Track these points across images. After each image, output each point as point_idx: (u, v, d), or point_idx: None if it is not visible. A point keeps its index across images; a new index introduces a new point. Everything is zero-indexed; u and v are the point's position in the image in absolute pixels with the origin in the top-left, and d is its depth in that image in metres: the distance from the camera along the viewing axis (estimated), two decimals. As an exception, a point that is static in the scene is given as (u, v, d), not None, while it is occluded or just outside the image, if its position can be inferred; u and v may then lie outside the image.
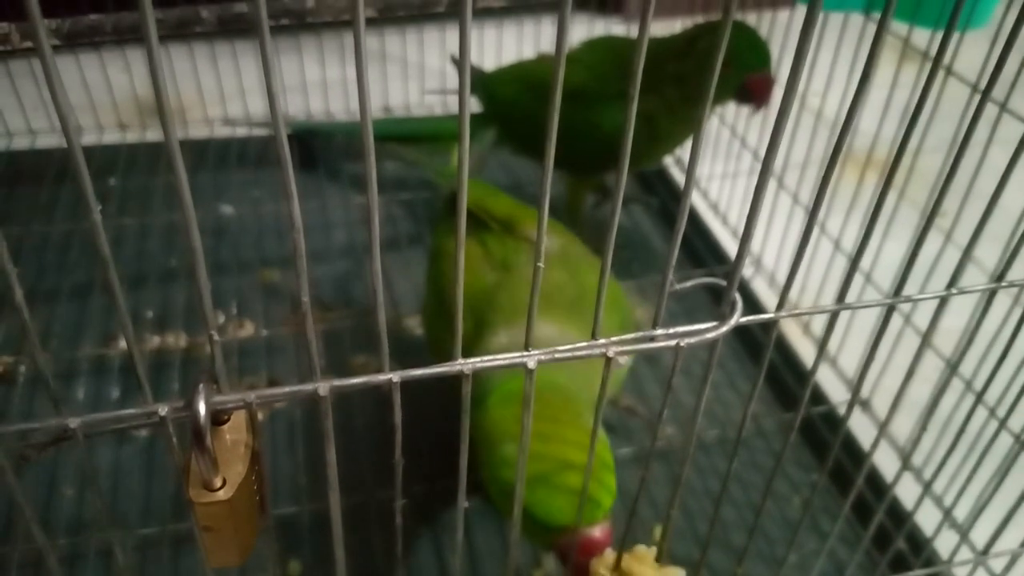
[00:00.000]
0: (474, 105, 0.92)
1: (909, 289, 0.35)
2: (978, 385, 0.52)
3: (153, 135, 1.03)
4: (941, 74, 0.65)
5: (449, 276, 0.60)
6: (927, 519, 0.62)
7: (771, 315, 0.34)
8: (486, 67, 0.93)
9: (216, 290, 0.86)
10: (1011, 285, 0.36)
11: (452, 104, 1.08)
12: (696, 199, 1.01)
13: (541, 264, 0.29)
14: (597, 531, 0.43)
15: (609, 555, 0.41)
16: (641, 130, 0.79)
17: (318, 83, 1.07)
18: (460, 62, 0.24)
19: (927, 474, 0.63)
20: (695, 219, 0.99)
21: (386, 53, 1.12)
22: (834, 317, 0.35)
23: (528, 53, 0.96)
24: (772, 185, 0.87)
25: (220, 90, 1.04)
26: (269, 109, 0.24)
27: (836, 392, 0.77)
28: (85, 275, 0.86)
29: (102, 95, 1.01)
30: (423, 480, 0.68)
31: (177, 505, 0.66)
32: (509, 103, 0.88)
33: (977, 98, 0.32)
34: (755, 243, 0.90)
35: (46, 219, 0.91)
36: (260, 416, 0.75)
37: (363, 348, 0.80)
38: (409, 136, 0.96)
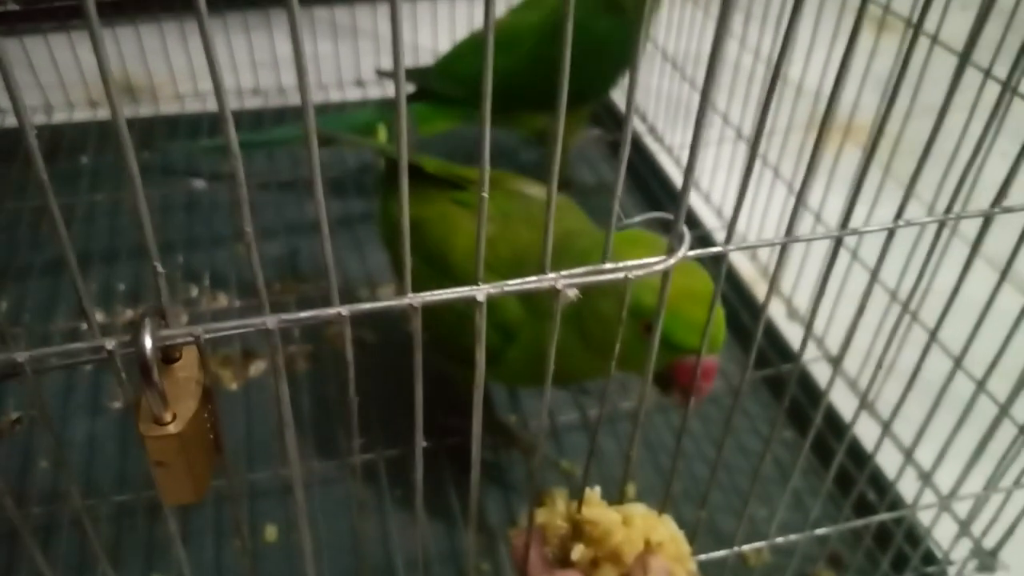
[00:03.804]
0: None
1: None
2: (943, 338, 0.53)
3: (125, 111, 1.03)
4: (926, 42, 0.65)
5: (438, 237, 0.60)
6: (892, 466, 0.63)
7: (719, 248, 0.34)
8: (440, 49, 0.93)
9: (189, 263, 0.86)
10: (958, 217, 0.37)
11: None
12: (670, 167, 1.02)
13: (485, 194, 0.29)
14: (714, 359, 0.49)
15: (562, 505, 0.42)
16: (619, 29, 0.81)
17: (288, 58, 1.07)
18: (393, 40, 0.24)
19: (895, 426, 0.64)
20: (668, 186, 0.99)
21: (357, 28, 1.12)
22: (783, 250, 0.35)
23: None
24: (741, 148, 0.88)
25: (191, 66, 1.04)
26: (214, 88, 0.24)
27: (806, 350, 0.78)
28: (57, 251, 0.85)
29: (72, 73, 1.01)
30: (400, 442, 0.68)
31: (151, 474, 0.66)
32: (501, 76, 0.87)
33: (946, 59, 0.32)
34: (726, 207, 0.91)
35: (18, 197, 0.91)
36: (234, 386, 0.75)
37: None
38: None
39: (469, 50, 0.89)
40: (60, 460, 0.32)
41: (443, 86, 0.89)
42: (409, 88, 0.92)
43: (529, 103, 0.82)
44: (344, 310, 0.30)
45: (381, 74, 1.02)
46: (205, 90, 1.06)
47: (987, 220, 0.38)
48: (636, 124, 1.07)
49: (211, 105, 1.05)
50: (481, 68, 0.24)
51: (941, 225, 0.37)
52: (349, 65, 1.11)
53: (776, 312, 0.82)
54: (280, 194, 0.95)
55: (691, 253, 0.33)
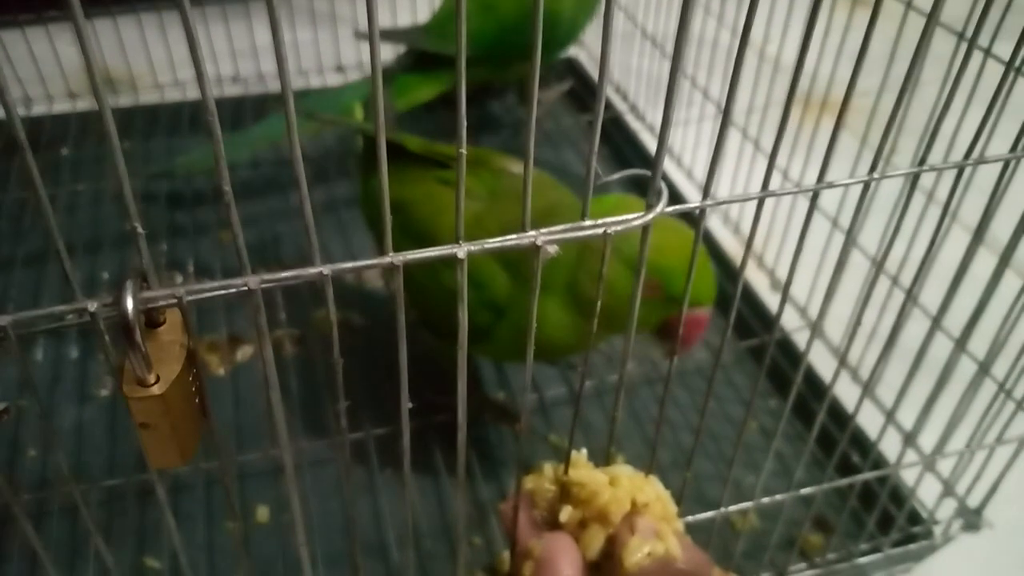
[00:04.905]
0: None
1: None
2: (924, 302, 0.53)
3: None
4: (901, 9, 0.65)
5: (424, 217, 0.60)
6: (876, 429, 0.64)
7: (696, 204, 0.34)
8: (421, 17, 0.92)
9: (173, 251, 0.86)
10: (932, 169, 0.37)
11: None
12: (652, 145, 1.02)
13: (463, 150, 0.29)
14: (707, 311, 0.53)
15: (549, 470, 0.42)
16: None
17: (267, 47, 1.07)
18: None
19: (879, 393, 0.64)
20: (650, 163, 1.00)
21: (336, 15, 1.11)
22: (760, 205, 0.36)
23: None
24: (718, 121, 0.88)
25: (170, 57, 1.03)
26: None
27: (789, 321, 0.79)
28: (40, 242, 0.86)
29: (50, 66, 1.00)
30: (388, 422, 0.68)
31: (141, 458, 0.66)
32: (491, 31, 0.86)
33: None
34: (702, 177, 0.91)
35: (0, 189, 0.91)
36: (221, 371, 0.75)
37: (324, 302, 0.80)
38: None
39: (470, 7, 0.89)
40: (46, 420, 0.32)
41: (440, 45, 0.88)
42: (400, 50, 0.91)
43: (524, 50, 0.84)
44: (326, 269, 0.30)
45: (359, 36, 1.02)
46: (185, 79, 1.06)
47: (960, 172, 0.38)
48: (617, 103, 1.08)
49: (191, 94, 1.05)
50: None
51: (916, 178, 0.38)
52: (329, 51, 1.11)
53: (761, 285, 0.83)
54: (264, 182, 0.95)
55: (669, 209, 0.34)
